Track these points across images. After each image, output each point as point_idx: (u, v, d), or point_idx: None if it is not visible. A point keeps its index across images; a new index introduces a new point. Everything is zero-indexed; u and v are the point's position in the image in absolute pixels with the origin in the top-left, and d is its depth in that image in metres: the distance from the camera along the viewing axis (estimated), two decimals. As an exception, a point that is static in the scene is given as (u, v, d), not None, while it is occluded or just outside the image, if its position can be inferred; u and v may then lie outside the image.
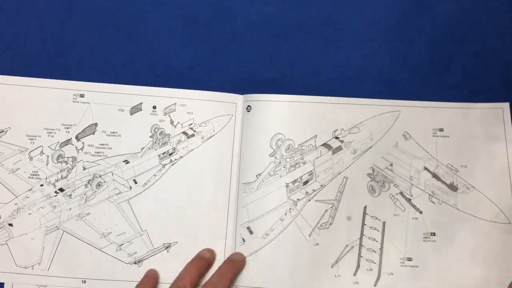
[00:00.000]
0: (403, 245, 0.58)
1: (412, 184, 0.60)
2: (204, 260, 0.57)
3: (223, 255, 0.58)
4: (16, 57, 0.62)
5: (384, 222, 0.59)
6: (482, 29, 0.62)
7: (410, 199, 0.59)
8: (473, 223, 0.58)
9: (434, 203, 0.59)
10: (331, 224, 0.59)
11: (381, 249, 0.58)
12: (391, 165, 0.60)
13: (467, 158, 0.60)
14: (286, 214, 0.58)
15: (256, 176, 0.59)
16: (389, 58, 0.62)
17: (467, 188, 0.59)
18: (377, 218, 0.59)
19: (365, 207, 0.59)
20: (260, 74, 0.62)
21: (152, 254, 0.58)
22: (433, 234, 0.58)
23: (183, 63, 0.62)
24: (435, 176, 0.59)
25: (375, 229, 0.59)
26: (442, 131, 0.60)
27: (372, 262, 0.58)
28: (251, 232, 0.58)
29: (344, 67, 0.62)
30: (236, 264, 0.57)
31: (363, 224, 0.59)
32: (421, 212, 0.59)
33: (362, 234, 0.59)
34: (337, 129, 0.60)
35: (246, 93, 0.61)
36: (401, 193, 0.59)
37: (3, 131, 0.60)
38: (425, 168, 0.60)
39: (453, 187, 0.59)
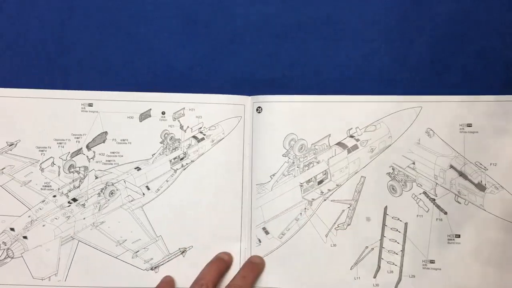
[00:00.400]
0: (426, 247, 0.57)
1: (437, 184, 0.58)
2: (223, 261, 0.57)
3: (239, 257, 0.59)
4: (16, 57, 0.62)
5: (406, 223, 0.57)
6: (482, 29, 0.61)
7: (434, 199, 0.57)
8: (500, 225, 0.56)
9: (460, 203, 0.57)
10: (349, 224, 0.58)
11: (403, 251, 0.57)
12: (413, 163, 0.58)
13: (497, 156, 0.57)
14: (301, 214, 0.58)
15: (270, 176, 0.59)
16: (389, 58, 0.61)
17: (496, 188, 0.57)
18: (398, 219, 0.58)
19: (385, 208, 0.58)
20: (260, 74, 0.62)
21: (168, 260, 0.59)
22: (458, 236, 0.57)
23: (183, 63, 0.62)
24: (462, 174, 0.57)
25: (397, 230, 0.57)
26: (471, 126, 0.58)
27: (393, 264, 0.57)
28: (267, 233, 0.58)
29: (344, 67, 0.61)
30: (257, 266, 0.57)
31: (383, 225, 0.58)
32: (445, 213, 0.57)
33: (382, 236, 0.58)
34: (351, 128, 0.59)
35: (246, 93, 0.61)
36: (424, 192, 0.58)
37: (12, 144, 0.60)
38: (451, 166, 0.58)
39: (481, 187, 0.57)
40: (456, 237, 0.57)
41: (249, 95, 0.61)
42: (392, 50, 0.62)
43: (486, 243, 0.56)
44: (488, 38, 0.62)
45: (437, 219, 0.57)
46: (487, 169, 0.57)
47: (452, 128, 0.58)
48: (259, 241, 0.58)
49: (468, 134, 0.58)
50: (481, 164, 0.57)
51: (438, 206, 0.57)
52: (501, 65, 0.61)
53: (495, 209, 0.56)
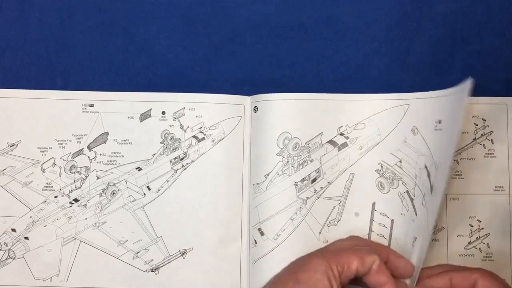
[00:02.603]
0: (404, 247, 0.55)
1: (416, 184, 0.56)
2: None
3: (239, 257, 0.58)
4: (16, 57, 0.62)
5: (392, 220, 0.57)
6: (482, 29, 0.62)
7: (413, 199, 0.57)
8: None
9: (423, 205, 0.54)
10: (339, 220, 0.58)
11: (389, 246, 0.57)
12: (400, 161, 0.58)
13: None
14: (296, 213, 0.58)
15: (265, 176, 0.58)
16: (389, 58, 0.62)
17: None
18: (386, 215, 0.58)
19: (373, 203, 0.58)
20: (260, 74, 0.62)
21: (168, 261, 0.59)
22: (416, 239, 0.54)
23: (183, 63, 0.62)
24: (428, 175, 0.54)
25: (384, 226, 0.58)
26: (440, 123, 0.55)
27: None
28: (262, 234, 0.58)
29: (344, 67, 0.62)
30: None
31: (371, 220, 0.58)
32: (416, 215, 0.56)
33: (370, 230, 0.58)
34: (342, 126, 0.59)
35: (246, 93, 0.61)
36: (407, 191, 0.57)
37: (14, 145, 0.59)
38: (425, 166, 0.55)
39: (432, 188, 0.53)
40: (415, 240, 0.54)
41: (249, 95, 0.61)
42: (392, 50, 0.62)
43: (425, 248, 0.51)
44: (488, 38, 0.62)
45: (412, 220, 0.56)
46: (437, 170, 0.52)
47: (430, 126, 0.56)
48: (255, 242, 0.58)
49: (438, 131, 0.55)
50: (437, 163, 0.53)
51: (413, 207, 0.56)
52: (501, 65, 0.62)
53: (430, 211, 0.51)
